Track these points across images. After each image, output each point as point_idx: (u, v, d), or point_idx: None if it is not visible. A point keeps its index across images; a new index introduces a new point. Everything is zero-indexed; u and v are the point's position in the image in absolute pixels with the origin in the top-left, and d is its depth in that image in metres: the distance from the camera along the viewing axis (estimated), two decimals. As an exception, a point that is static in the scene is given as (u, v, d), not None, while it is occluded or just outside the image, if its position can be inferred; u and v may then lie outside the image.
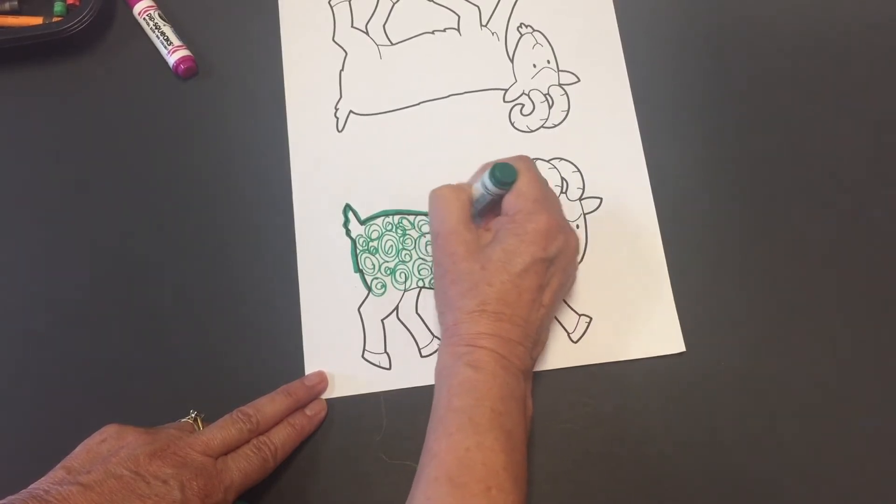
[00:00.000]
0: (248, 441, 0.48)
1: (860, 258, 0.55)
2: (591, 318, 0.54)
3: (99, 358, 0.55)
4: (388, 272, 0.56)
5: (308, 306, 0.55)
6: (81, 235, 0.58)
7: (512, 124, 0.59)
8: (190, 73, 0.61)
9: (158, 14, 0.62)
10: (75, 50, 0.62)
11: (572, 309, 0.55)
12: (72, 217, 0.58)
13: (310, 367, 0.54)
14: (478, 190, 0.50)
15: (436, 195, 0.50)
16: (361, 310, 0.55)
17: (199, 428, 0.49)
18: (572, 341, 0.54)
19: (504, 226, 0.48)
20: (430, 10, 0.62)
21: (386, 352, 0.54)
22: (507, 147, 0.58)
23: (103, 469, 0.43)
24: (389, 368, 0.54)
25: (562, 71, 0.61)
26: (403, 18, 0.62)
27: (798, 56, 0.60)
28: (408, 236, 0.57)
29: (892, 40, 0.60)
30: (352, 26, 0.62)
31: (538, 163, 0.58)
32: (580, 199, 0.57)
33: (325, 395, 0.53)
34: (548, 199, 0.49)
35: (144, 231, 0.58)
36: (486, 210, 0.51)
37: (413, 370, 0.53)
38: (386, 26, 0.62)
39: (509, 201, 0.49)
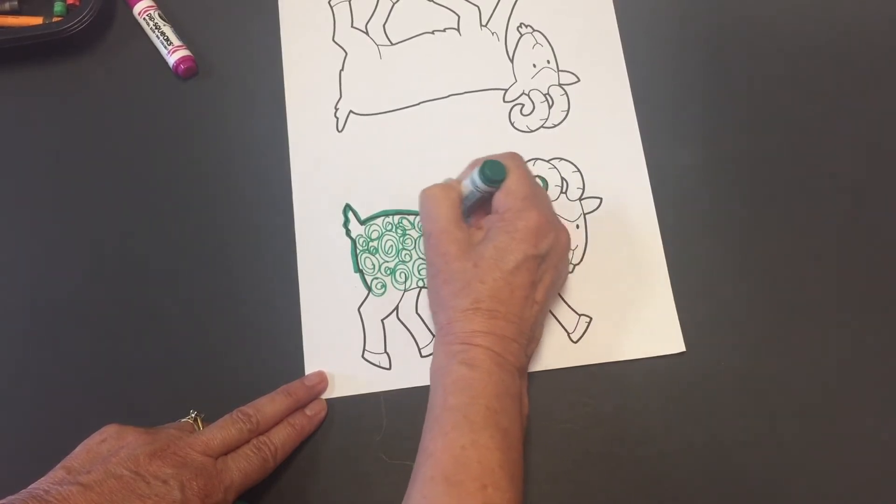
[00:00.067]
0: (248, 441, 0.48)
1: (860, 258, 0.55)
2: (590, 318, 0.54)
3: (99, 358, 0.55)
4: (388, 272, 0.56)
5: (308, 306, 0.55)
6: (81, 235, 0.58)
7: (512, 124, 0.59)
8: (190, 73, 0.61)
9: (158, 14, 0.62)
10: (75, 50, 0.62)
11: (572, 309, 0.55)
12: (72, 217, 0.58)
13: (310, 367, 0.54)
14: (467, 187, 0.50)
15: (426, 195, 0.50)
16: (361, 310, 0.55)
17: (199, 428, 0.49)
18: (572, 341, 0.54)
19: (495, 224, 0.48)
20: (430, 10, 0.62)
21: (386, 352, 0.54)
22: (506, 147, 0.57)
23: (103, 469, 0.43)
24: (389, 368, 0.54)
25: (562, 71, 0.61)
26: (403, 18, 0.62)
27: (798, 56, 0.60)
28: (408, 236, 0.57)
29: (892, 40, 0.60)
30: (352, 26, 0.62)
31: (538, 163, 0.58)
32: (580, 199, 0.57)
33: (325, 395, 0.53)
34: (537, 196, 0.49)
35: (144, 231, 0.58)
36: (475, 207, 0.51)
37: (413, 370, 0.53)
38: (386, 26, 0.62)
39: (499, 199, 0.49)
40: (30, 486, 0.43)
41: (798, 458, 0.51)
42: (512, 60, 0.61)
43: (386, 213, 0.57)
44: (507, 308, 0.46)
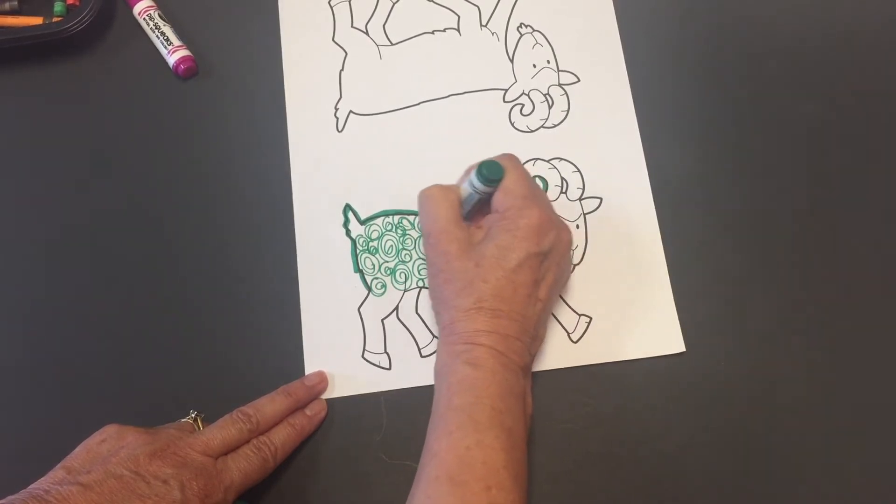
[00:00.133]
0: (248, 441, 0.48)
1: (860, 258, 0.55)
2: (590, 318, 0.54)
3: (99, 358, 0.55)
4: (388, 272, 0.56)
5: (308, 306, 0.55)
6: (81, 235, 0.58)
7: (512, 124, 0.59)
8: (190, 73, 0.61)
9: (158, 14, 0.62)
10: (75, 50, 0.62)
11: (572, 309, 0.55)
12: (72, 217, 0.58)
13: (310, 367, 0.54)
14: (465, 190, 0.50)
15: (425, 195, 0.50)
16: (361, 310, 0.55)
17: (199, 428, 0.49)
18: (572, 341, 0.54)
19: (496, 223, 0.48)
20: (430, 10, 0.62)
21: (386, 352, 0.54)
22: (507, 147, 0.57)
23: (103, 469, 0.43)
24: (389, 368, 0.54)
25: (562, 71, 0.61)
26: (403, 18, 0.62)
27: (798, 56, 0.60)
28: (408, 236, 0.57)
29: (892, 40, 0.60)
30: (352, 26, 0.62)
31: (538, 163, 0.58)
32: (580, 199, 0.57)
33: (325, 395, 0.53)
34: (537, 195, 0.49)
35: (144, 231, 0.58)
36: (474, 210, 0.51)
37: (413, 370, 0.53)
38: (386, 26, 0.62)
39: (498, 199, 0.49)
40: (30, 486, 0.43)
41: (798, 458, 0.51)
42: (512, 60, 0.61)
43: (386, 213, 0.57)
44: (511, 307, 0.46)
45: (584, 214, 0.57)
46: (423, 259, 0.56)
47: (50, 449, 0.45)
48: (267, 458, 0.48)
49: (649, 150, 0.58)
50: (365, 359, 0.54)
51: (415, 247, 0.56)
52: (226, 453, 0.47)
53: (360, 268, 0.56)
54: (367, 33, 0.62)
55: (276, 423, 0.50)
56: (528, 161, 0.58)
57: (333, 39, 0.62)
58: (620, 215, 0.57)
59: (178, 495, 0.43)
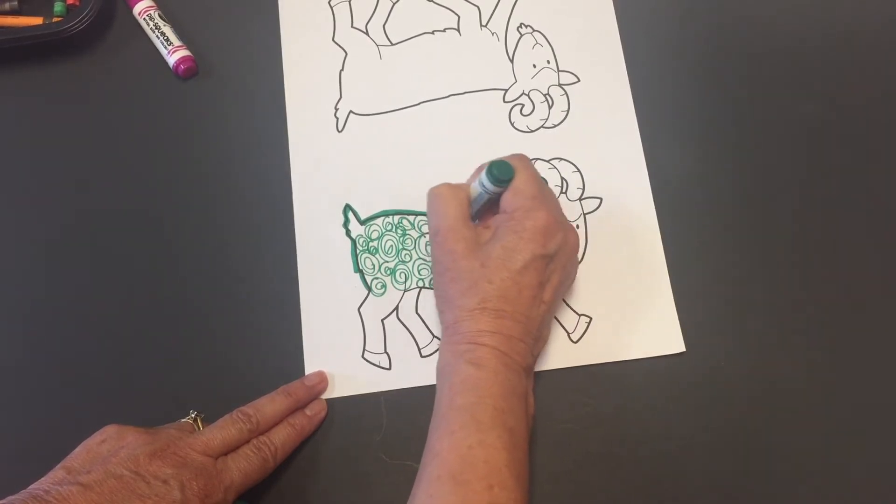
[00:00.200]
0: (248, 441, 0.48)
1: (860, 258, 0.55)
2: (591, 318, 0.54)
3: (99, 358, 0.55)
4: (388, 272, 0.56)
5: (308, 306, 0.55)
6: (81, 235, 0.58)
7: (512, 124, 0.59)
8: (190, 73, 0.61)
9: (158, 14, 0.62)
10: (75, 50, 0.62)
11: (572, 309, 0.55)
12: (72, 217, 0.58)
13: (310, 367, 0.54)
14: (475, 189, 0.50)
15: (434, 193, 0.50)
16: (361, 310, 0.55)
17: (199, 428, 0.49)
18: (572, 341, 0.54)
19: (503, 223, 0.48)
20: (430, 10, 0.62)
21: (386, 352, 0.54)
22: (507, 147, 0.58)
23: (103, 469, 0.43)
24: (389, 368, 0.54)
25: (562, 71, 0.61)
26: (403, 18, 0.62)
27: (798, 56, 0.60)
28: (408, 236, 0.57)
29: (892, 40, 0.60)
30: (352, 26, 0.62)
31: (538, 163, 0.58)
32: (580, 199, 0.57)
33: (325, 395, 0.53)
34: (546, 197, 0.49)
35: (144, 231, 0.58)
36: (483, 209, 0.51)
37: (413, 370, 0.53)
38: (386, 26, 0.62)
39: (507, 199, 0.49)
40: (30, 486, 0.43)
41: (798, 458, 0.51)
42: (512, 60, 0.61)
43: (386, 214, 0.57)
44: (515, 308, 0.46)
45: (584, 214, 0.57)
46: (423, 259, 0.56)
47: (50, 449, 0.45)
48: (267, 458, 0.48)
49: (649, 150, 0.58)
50: (365, 359, 0.54)
51: (415, 247, 0.56)
52: (226, 453, 0.47)
53: (360, 268, 0.56)
54: (367, 33, 0.62)
55: (276, 423, 0.50)
56: (528, 161, 0.58)
57: (333, 39, 0.62)
58: (620, 215, 0.57)
59: (178, 495, 0.43)
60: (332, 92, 0.61)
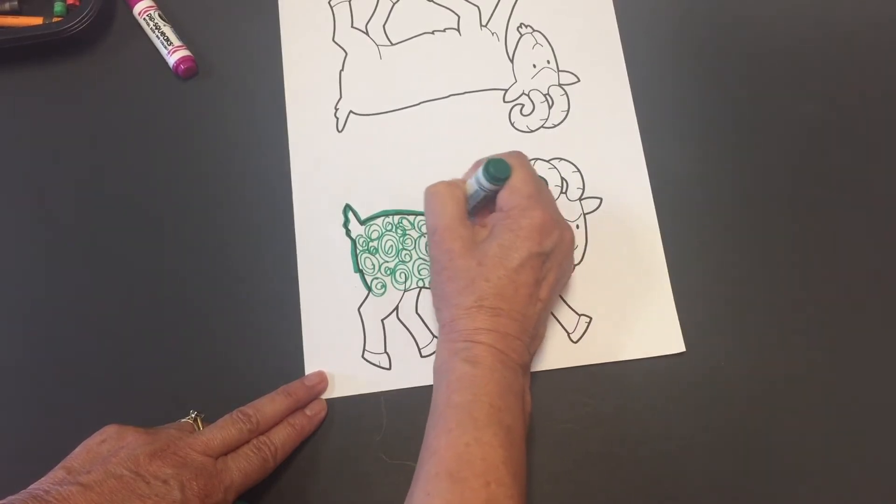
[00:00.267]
0: (248, 441, 0.48)
1: (860, 258, 0.55)
2: (590, 318, 0.54)
3: (99, 358, 0.55)
4: (388, 272, 0.56)
5: (308, 306, 0.55)
6: (81, 235, 0.58)
7: (512, 124, 0.59)
8: (190, 73, 0.61)
9: (158, 14, 0.62)
10: (75, 50, 0.62)
11: (572, 309, 0.55)
12: (72, 217, 0.58)
13: (310, 367, 0.54)
14: (472, 186, 0.50)
15: (431, 192, 0.50)
16: (361, 310, 0.55)
17: (199, 428, 0.49)
18: (572, 341, 0.54)
19: (499, 221, 0.48)
20: (430, 10, 0.62)
21: (386, 352, 0.54)
22: (507, 147, 0.57)
23: (103, 469, 0.43)
24: (389, 368, 0.54)
25: (562, 71, 0.61)
26: (403, 18, 0.62)
27: (798, 56, 0.60)
28: (408, 236, 0.57)
29: (892, 40, 0.60)
30: (352, 26, 0.62)
31: (538, 163, 0.58)
32: (580, 199, 0.57)
33: (325, 395, 0.53)
34: (542, 195, 0.49)
35: (144, 231, 0.58)
36: (480, 207, 0.51)
37: (413, 370, 0.53)
38: (386, 26, 0.62)
39: (503, 197, 0.49)
40: (30, 486, 0.43)
41: (798, 458, 0.51)
42: (512, 60, 0.61)
43: (386, 213, 0.57)
44: (511, 306, 0.46)
45: (584, 214, 0.57)
46: (423, 259, 0.56)
47: (50, 449, 0.45)
48: (267, 458, 0.48)
49: (649, 150, 0.58)
50: (365, 359, 0.54)
51: (415, 247, 0.56)
52: (226, 453, 0.47)
53: (360, 268, 0.56)
54: (367, 33, 0.62)
55: (276, 423, 0.50)
56: (528, 161, 0.58)
57: (333, 39, 0.62)
58: (620, 215, 0.57)
59: (178, 495, 0.43)
60: (332, 92, 0.61)
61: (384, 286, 0.56)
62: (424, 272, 0.56)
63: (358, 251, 0.56)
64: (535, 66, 0.61)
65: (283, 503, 0.51)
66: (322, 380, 0.53)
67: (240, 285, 0.56)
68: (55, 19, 0.61)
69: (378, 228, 0.57)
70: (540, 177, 0.57)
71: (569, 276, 0.53)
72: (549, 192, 0.51)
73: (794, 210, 0.56)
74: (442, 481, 0.42)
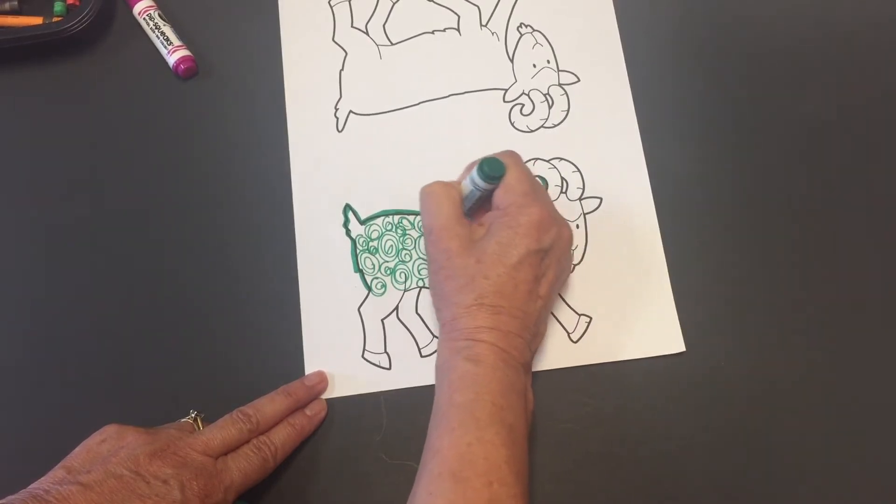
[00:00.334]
0: (248, 441, 0.48)
1: (860, 258, 0.55)
2: (590, 318, 0.54)
3: (99, 358, 0.55)
4: (388, 272, 0.56)
5: (308, 306, 0.55)
6: (81, 235, 0.58)
7: (512, 124, 0.59)
8: (190, 73, 0.61)
9: (158, 14, 0.62)
10: (75, 50, 0.62)
11: (572, 309, 0.55)
12: (72, 217, 0.58)
13: (310, 367, 0.54)
14: (466, 187, 0.50)
15: (426, 192, 0.50)
16: (361, 310, 0.55)
17: (199, 428, 0.49)
18: (572, 341, 0.54)
19: (497, 219, 0.48)
20: (430, 10, 0.62)
21: (386, 352, 0.54)
22: (506, 147, 0.58)
23: (103, 469, 0.43)
24: (389, 368, 0.54)
25: (562, 71, 0.61)
26: (403, 18, 0.62)
27: (798, 56, 0.60)
28: (408, 236, 0.57)
29: (892, 40, 0.60)
30: (352, 26, 0.62)
31: (538, 163, 0.58)
32: (580, 199, 0.57)
33: (325, 395, 0.53)
34: (538, 192, 0.49)
35: (144, 231, 0.58)
36: (476, 207, 0.51)
37: (413, 370, 0.53)
38: (386, 26, 0.62)
39: (499, 196, 0.49)
40: (30, 486, 0.43)
41: (798, 458, 0.51)
42: (512, 60, 0.61)
43: (386, 213, 0.57)
44: (511, 303, 0.46)
45: (584, 214, 0.57)
46: (423, 259, 0.56)
47: (50, 449, 0.45)
48: (267, 458, 0.48)
49: (649, 150, 0.58)
50: (365, 359, 0.54)
51: (415, 247, 0.56)
52: (226, 453, 0.47)
53: (360, 268, 0.56)
54: (367, 33, 0.62)
55: (276, 423, 0.50)
56: (528, 161, 0.58)
57: (333, 39, 0.62)
58: (620, 215, 0.57)
59: (178, 495, 0.43)
60: (332, 92, 0.61)
61: (384, 286, 0.56)
62: (424, 272, 0.56)
63: (358, 251, 0.56)
64: (535, 65, 0.61)
65: (283, 503, 0.51)
66: (322, 380, 0.53)
67: (240, 285, 0.56)
68: (55, 19, 0.61)
69: (378, 228, 0.57)
70: (538, 177, 0.57)
71: (568, 274, 0.53)
72: (544, 189, 0.51)
73: (794, 210, 0.56)
74: (444, 481, 0.42)
